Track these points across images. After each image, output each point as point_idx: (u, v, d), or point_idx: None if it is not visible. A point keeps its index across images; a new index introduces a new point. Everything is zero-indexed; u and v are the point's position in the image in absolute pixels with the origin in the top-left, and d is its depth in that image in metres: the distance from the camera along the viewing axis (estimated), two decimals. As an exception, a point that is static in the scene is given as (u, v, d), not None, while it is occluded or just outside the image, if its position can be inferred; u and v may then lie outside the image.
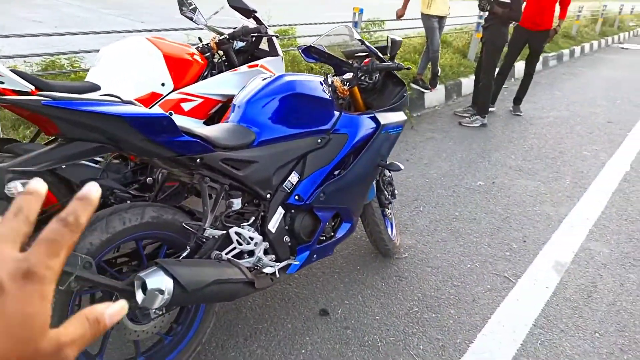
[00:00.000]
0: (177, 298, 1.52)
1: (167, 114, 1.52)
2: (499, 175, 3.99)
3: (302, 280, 2.44)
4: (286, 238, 2.03)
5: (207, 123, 2.49)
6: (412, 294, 2.44)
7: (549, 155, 4.58)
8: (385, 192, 2.58)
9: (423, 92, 5.63)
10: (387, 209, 2.63)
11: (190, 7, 2.79)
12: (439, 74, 5.71)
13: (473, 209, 3.38)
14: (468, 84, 6.54)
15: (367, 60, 2.31)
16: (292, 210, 2.05)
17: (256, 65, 2.62)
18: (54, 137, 1.89)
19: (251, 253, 1.89)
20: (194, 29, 3.70)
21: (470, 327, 2.24)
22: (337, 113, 2.13)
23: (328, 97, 2.07)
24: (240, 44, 2.71)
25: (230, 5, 2.73)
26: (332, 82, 2.19)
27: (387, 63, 2.27)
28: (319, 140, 2.06)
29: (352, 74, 2.28)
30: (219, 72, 2.62)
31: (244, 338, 2.07)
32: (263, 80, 2.04)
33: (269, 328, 2.14)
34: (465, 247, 2.89)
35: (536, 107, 6.29)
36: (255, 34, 2.65)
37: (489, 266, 2.72)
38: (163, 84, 2.34)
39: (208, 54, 2.62)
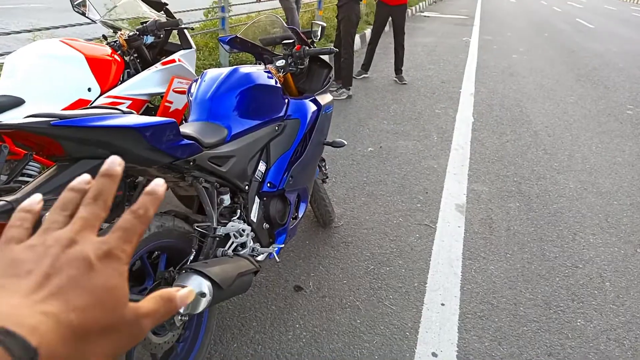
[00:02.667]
0: (215, 297, 1.55)
1: (171, 119, 1.49)
2: (382, 140, 4.46)
3: (264, 265, 2.53)
4: (265, 225, 2.11)
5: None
6: (362, 255, 2.71)
7: (412, 117, 5.22)
8: (322, 168, 2.77)
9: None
10: (324, 184, 2.83)
11: (79, 2, 2.56)
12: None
13: (375, 172, 3.76)
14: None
15: (298, 46, 2.43)
16: (265, 198, 2.13)
17: (174, 61, 2.55)
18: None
19: (243, 245, 1.94)
20: (82, 24, 3.35)
21: (419, 271, 2.59)
22: (285, 100, 2.24)
23: (279, 86, 2.17)
24: (150, 38, 2.58)
25: (146, 1, 2.57)
26: (269, 70, 2.28)
27: (320, 48, 2.43)
28: (276, 128, 2.16)
29: (283, 61, 2.39)
30: (134, 70, 2.49)
31: (237, 329, 2.12)
32: (214, 74, 2.05)
33: (256, 314, 2.22)
34: (384, 207, 3.25)
35: (383, 75, 6.99)
36: (168, 27, 2.56)
37: (410, 218, 3.12)
38: (89, 89, 2.16)
39: (119, 52, 2.46)
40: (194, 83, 2.11)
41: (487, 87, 6.74)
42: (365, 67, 6.55)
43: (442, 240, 2.89)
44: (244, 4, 6.40)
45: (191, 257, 1.70)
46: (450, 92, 6.30)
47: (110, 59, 2.26)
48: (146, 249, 1.57)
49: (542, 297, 2.44)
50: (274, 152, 2.15)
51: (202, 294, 1.49)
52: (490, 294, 2.44)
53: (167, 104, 2.48)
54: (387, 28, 6.86)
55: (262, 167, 2.10)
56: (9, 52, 3.50)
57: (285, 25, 2.50)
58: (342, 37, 5.52)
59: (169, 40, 2.72)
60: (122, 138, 1.40)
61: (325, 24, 2.53)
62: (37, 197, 0.38)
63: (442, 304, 2.34)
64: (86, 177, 0.38)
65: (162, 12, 2.62)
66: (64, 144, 1.33)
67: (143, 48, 2.52)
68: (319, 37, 2.54)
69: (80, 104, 2.13)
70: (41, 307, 0.30)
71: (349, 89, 5.68)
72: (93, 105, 2.17)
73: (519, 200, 3.46)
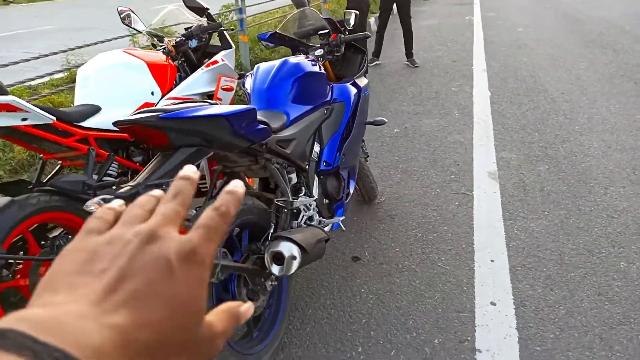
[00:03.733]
0: (303, 261, 1.74)
1: (251, 106, 1.68)
2: (405, 121, 4.62)
3: (321, 241, 2.72)
4: (325, 200, 2.30)
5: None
6: (409, 225, 2.89)
7: (430, 96, 5.37)
8: (363, 148, 2.95)
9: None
10: (366, 162, 3.02)
11: (124, 15, 2.77)
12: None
13: (405, 151, 3.94)
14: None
15: (334, 35, 2.61)
16: (322, 176, 2.32)
17: (218, 61, 2.74)
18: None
19: (311, 218, 2.13)
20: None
21: (464, 234, 2.77)
22: (329, 85, 2.43)
23: (324, 72, 2.36)
24: (194, 42, 2.78)
25: (186, 6, 2.77)
26: (313, 59, 2.46)
27: (354, 35, 2.61)
28: (325, 111, 2.35)
29: (321, 50, 2.58)
30: (184, 73, 2.69)
31: (309, 297, 2.32)
32: (267, 67, 2.24)
33: (322, 283, 2.41)
34: (420, 181, 3.43)
35: (393, 60, 7.13)
36: (211, 30, 2.75)
37: (446, 189, 3.30)
38: (152, 93, 2.36)
39: (168, 57, 2.66)
40: (248, 77, 2.30)
41: (498, 62, 6.86)
42: (376, 54, 6.71)
43: (480, 206, 3.06)
44: (258, 4, 6.59)
45: (271, 230, 1.90)
46: (462, 70, 6.44)
47: (167, 64, 2.46)
48: (234, 225, 1.76)
49: (584, 246, 2.61)
50: (326, 134, 2.34)
51: (293, 257, 1.69)
52: (535, 248, 2.61)
53: (217, 100, 2.68)
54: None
55: (317, 148, 2.29)
56: (41, 75, 3.74)
57: (321, 16, 2.68)
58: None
59: (210, 42, 2.91)
60: (213, 125, 1.60)
61: (358, 12, 2.71)
62: (119, 202, 0.37)
63: (492, 260, 2.52)
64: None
65: (204, 16, 2.81)
66: (169, 134, 1.54)
67: (189, 52, 2.71)
68: (351, 25, 2.72)
69: (146, 106, 2.32)
70: (110, 319, 0.27)
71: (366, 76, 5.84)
72: (158, 106, 2.37)
73: (547, 163, 3.62)
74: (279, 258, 1.70)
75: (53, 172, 2.20)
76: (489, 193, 3.22)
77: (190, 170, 0.36)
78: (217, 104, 1.68)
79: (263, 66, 2.26)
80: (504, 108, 4.90)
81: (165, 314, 0.28)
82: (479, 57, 7.21)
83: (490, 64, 6.75)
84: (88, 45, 4.21)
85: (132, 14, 2.79)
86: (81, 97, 2.20)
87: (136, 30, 2.81)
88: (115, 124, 1.52)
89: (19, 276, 1.86)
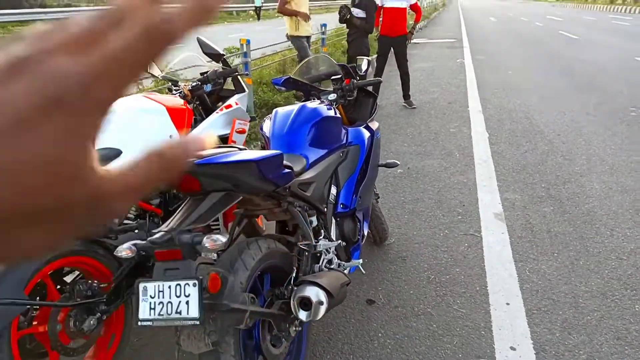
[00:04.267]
0: (329, 305, 1.72)
1: (278, 152, 1.71)
2: (407, 161, 4.68)
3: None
4: (342, 243, 2.30)
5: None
6: (420, 266, 2.89)
7: (430, 137, 5.47)
8: (374, 189, 2.98)
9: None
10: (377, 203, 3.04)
11: None
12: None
13: (410, 191, 3.97)
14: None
15: (347, 80, 2.68)
16: (338, 218, 2.33)
17: (231, 105, 2.78)
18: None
19: (330, 261, 2.13)
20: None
21: (477, 276, 2.77)
22: (343, 129, 2.47)
23: (340, 117, 2.40)
24: (209, 87, 2.83)
25: (203, 52, 2.83)
26: (329, 104, 2.51)
27: (367, 80, 2.68)
28: (341, 154, 2.38)
29: (334, 95, 2.63)
30: (199, 116, 2.73)
31: (326, 342, 2.28)
32: (285, 112, 2.28)
33: (339, 327, 2.38)
34: (428, 221, 3.45)
35: (391, 101, 7.29)
36: (228, 75, 2.81)
37: (455, 230, 3.31)
38: (171, 136, 2.38)
39: (184, 100, 2.70)
40: (266, 121, 2.34)
41: (493, 104, 7.03)
42: None
43: (490, 247, 3.07)
44: (257, 48, 6.74)
45: (293, 274, 1.89)
46: (459, 112, 6.58)
47: (184, 108, 2.50)
48: (259, 269, 1.75)
49: (596, 288, 2.62)
50: (342, 176, 2.37)
51: (320, 302, 1.68)
52: (548, 290, 2.61)
53: (231, 143, 2.71)
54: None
55: (333, 190, 2.31)
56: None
57: (334, 62, 2.76)
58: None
59: (226, 87, 2.97)
60: (243, 170, 1.61)
61: (371, 58, 2.79)
62: None
63: (507, 304, 2.51)
64: None
65: (220, 62, 2.87)
66: (202, 179, 1.55)
67: (204, 96, 2.76)
68: (363, 71, 2.79)
69: (164, 149, 2.34)
70: None
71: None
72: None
73: (551, 204, 3.66)
74: (305, 303, 1.68)
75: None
76: (497, 234, 3.24)
77: None
78: (245, 149, 1.70)
79: (281, 111, 2.30)
80: (503, 149, 4.99)
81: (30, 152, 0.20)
82: (474, 98, 7.39)
83: (485, 105, 6.91)
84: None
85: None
86: (102, 140, 2.20)
87: (152, 75, 2.86)
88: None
89: (36, 322, 1.82)
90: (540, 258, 2.93)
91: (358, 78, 2.77)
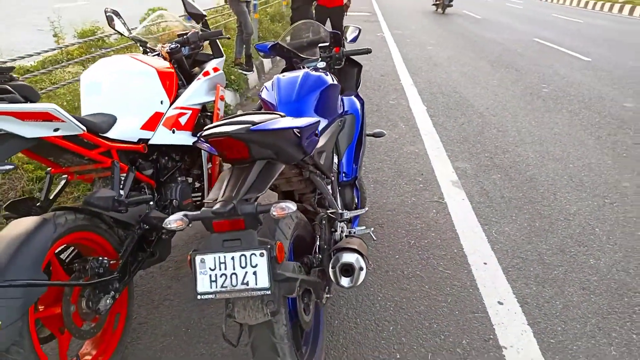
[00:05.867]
0: (367, 270, 1.76)
1: (317, 119, 1.68)
2: (358, 132, 4.77)
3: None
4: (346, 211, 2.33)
5: (194, 133, 2.46)
6: (399, 233, 3.01)
7: (373, 109, 5.60)
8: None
9: (245, 74, 5.96)
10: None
11: (108, 15, 2.59)
12: (252, 55, 6.11)
13: (369, 161, 4.08)
14: (265, 61, 7.13)
15: (337, 48, 2.66)
16: (340, 187, 2.35)
17: (216, 69, 2.65)
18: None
19: (342, 230, 2.15)
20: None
21: (451, 240, 2.95)
22: (339, 98, 2.47)
23: (339, 85, 2.39)
24: (186, 50, 2.65)
25: (187, 12, 2.63)
26: (327, 72, 2.49)
27: (357, 49, 2.68)
28: (339, 123, 2.38)
29: (324, 63, 2.61)
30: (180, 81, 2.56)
31: (330, 308, 2.32)
32: (290, 80, 2.22)
33: (339, 294, 2.43)
34: (394, 190, 3.58)
35: (325, 73, 7.30)
36: (212, 38, 2.64)
37: (420, 197, 3.48)
38: (162, 102, 2.23)
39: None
40: (264, 90, 2.26)
41: (422, 78, 7.34)
42: None
43: (456, 213, 3.28)
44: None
45: (317, 243, 1.89)
46: (393, 84, 6.80)
47: (172, 71, 2.33)
48: (294, 238, 1.73)
49: (555, 246, 2.92)
50: (342, 145, 2.38)
51: (361, 268, 1.71)
52: (516, 250, 2.86)
53: (218, 110, 2.59)
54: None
55: (335, 159, 2.32)
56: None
57: (326, 30, 2.72)
58: (299, 39, 5.74)
59: (203, 51, 2.80)
60: (286, 138, 1.57)
61: (361, 27, 2.79)
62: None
63: (485, 263, 2.72)
64: None
65: (200, 23, 2.70)
66: (252, 146, 1.48)
67: (183, 59, 2.58)
68: (350, 40, 2.78)
69: (156, 116, 2.18)
70: None
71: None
72: (167, 115, 2.23)
73: (498, 172, 3.97)
74: (347, 270, 1.70)
75: (59, 189, 1.97)
76: (458, 200, 3.46)
77: None
78: (285, 116, 1.64)
79: (284, 78, 2.24)
80: (442, 121, 5.27)
81: None
82: (403, 72, 7.66)
83: (415, 79, 7.20)
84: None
85: (114, 17, 2.59)
86: (92, 104, 2.00)
87: (120, 33, 2.61)
88: (206, 136, 1.42)
89: (42, 306, 1.65)
90: (502, 221, 3.19)
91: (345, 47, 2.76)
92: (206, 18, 2.71)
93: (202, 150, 2.45)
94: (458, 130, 4.98)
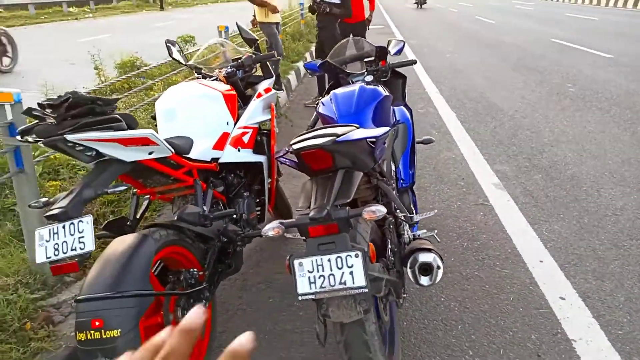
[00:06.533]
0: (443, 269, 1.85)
1: (388, 128, 1.79)
2: (393, 142, 4.87)
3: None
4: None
5: (255, 151, 2.59)
6: (450, 236, 3.08)
7: (403, 118, 5.69)
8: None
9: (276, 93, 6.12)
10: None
11: (168, 46, 2.75)
12: (280, 75, 6.28)
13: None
14: (291, 78, 7.31)
15: (383, 62, 2.78)
16: (398, 193, 2.45)
17: (269, 90, 2.79)
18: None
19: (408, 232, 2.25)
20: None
21: (503, 240, 3.01)
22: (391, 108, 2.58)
23: (391, 96, 2.51)
24: (240, 73, 2.80)
25: (242, 38, 2.79)
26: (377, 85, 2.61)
27: (402, 61, 2.80)
28: (394, 132, 2.49)
29: (371, 76, 2.73)
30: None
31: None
32: (346, 94, 2.34)
33: (403, 297, 2.51)
34: (438, 195, 3.66)
35: (350, 86, 7.44)
36: (265, 60, 2.79)
37: (465, 201, 3.56)
38: (227, 123, 2.36)
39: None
40: (321, 105, 2.39)
41: (446, 85, 7.42)
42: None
43: (503, 214, 3.34)
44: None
45: (389, 246, 1.99)
46: (419, 94, 6.89)
47: (234, 94, 2.47)
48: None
49: (608, 241, 2.96)
50: (397, 153, 2.48)
51: (439, 267, 1.80)
52: (569, 247, 2.91)
53: (274, 128, 2.72)
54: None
55: (392, 166, 2.42)
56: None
57: (371, 44, 2.84)
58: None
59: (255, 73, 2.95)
60: (362, 147, 1.69)
61: (404, 40, 2.91)
62: (199, 312, 0.37)
63: (541, 261, 2.77)
64: (198, 313, 0.37)
65: (253, 47, 2.85)
66: (336, 156, 1.60)
67: (239, 82, 2.73)
68: (394, 52, 2.90)
69: (224, 136, 2.32)
70: None
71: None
72: (232, 135, 2.37)
73: (538, 172, 4.02)
74: (425, 269, 1.79)
75: (144, 208, 2.11)
76: (504, 202, 3.52)
77: (194, 319, 0.35)
78: (358, 127, 1.75)
79: (341, 93, 2.36)
80: (474, 127, 5.34)
81: None
82: (426, 81, 7.76)
83: (439, 87, 7.29)
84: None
85: (172, 47, 2.75)
86: (169, 129, 2.14)
87: (178, 61, 2.77)
88: (298, 149, 1.55)
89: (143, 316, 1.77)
90: (550, 220, 3.24)
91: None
92: (258, 42, 2.86)
93: (264, 167, 2.58)
94: (491, 134, 5.05)
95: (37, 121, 1.55)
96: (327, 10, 5.48)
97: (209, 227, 1.97)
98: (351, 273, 1.47)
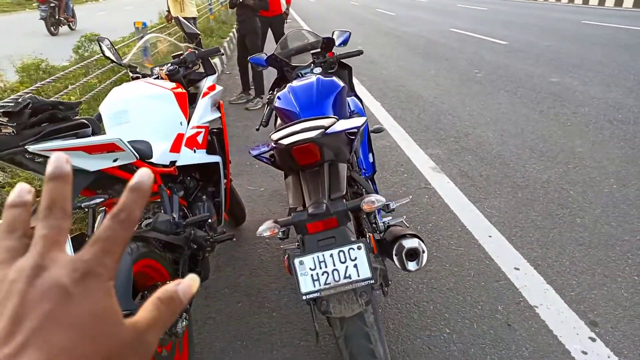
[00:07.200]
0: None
1: (365, 118, 1.78)
2: (326, 134, 4.90)
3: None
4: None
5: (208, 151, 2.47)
6: (407, 221, 3.16)
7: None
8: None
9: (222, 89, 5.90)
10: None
11: (101, 43, 2.54)
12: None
13: (349, 160, 4.21)
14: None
15: (330, 53, 2.77)
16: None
17: (214, 88, 2.67)
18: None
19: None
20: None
21: (451, 220, 3.15)
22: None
23: (346, 87, 2.50)
24: (182, 70, 2.64)
25: (185, 32, 2.60)
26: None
27: (350, 51, 2.80)
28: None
29: (319, 68, 2.71)
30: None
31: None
32: (303, 86, 2.30)
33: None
34: (383, 182, 3.74)
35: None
36: (210, 56, 2.65)
37: (409, 186, 3.67)
38: (181, 123, 2.23)
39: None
40: (278, 100, 2.33)
41: (365, 76, 7.60)
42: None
43: (446, 195, 3.49)
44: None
45: (367, 234, 1.99)
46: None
47: (184, 92, 2.33)
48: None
49: (543, 211, 3.20)
50: (357, 144, 2.49)
51: (424, 251, 1.82)
52: (511, 220, 3.11)
53: (225, 126, 2.61)
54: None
55: (353, 157, 2.43)
56: None
57: (318, 35, 2.81)
58: (250, 49, 5.75)
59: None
60: (343, 138, 1.67)
61: (349, 31, 2.91)
62: (25, 187, 0.33)
63: (490, 236, 2.93)
64: (25, 186, 0.33)
65: (194, 42, 2.69)
66: (324, 149, 1.56)
67: (182, 79, 2.58)
68: (337, 44, 2.89)
69: (179, 137, 2.18)
70: None
71: (262, 97, 5.98)
72: (187, 136, 2.24)
73: (468, 154, 4.25)
74: (412, 254, 1.81)
75: (100, 222, 1.92)
76: (444, 184, 3.68)
77: (62, 165, 0.32)
78: (338, 119, 1.73)
79: (298, 86, 2.31)
80: (400, 114, 5.52)
81: (75, 338, 0.28)
82: (344, 72, 7.85)
83: (360, 78, 7.43)
84: None
85: (103, 45, 2.53)
86: (122, 133, 1.96)
87: (112, 60, 2.55)
88: (289, 144, 1.48)
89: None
90: (489, 197, 3.44)
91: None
92: (200, 37, 2.71)
93: (221, 167, 2.46)
94: (417, 121, 5.25)
95: (-17, 132, 1.34)
96: (240, 1, 5.34)
97: (182, 234, 1.84)
98: (355, 266, 1.45)
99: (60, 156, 0.32)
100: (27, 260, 0.29)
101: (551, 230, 2.97)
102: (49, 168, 0.31)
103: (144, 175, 0.33)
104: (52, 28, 13.77)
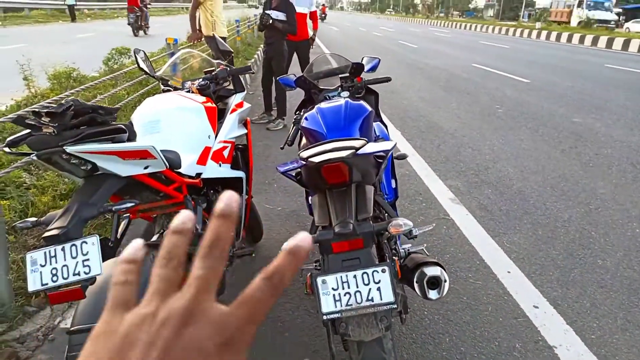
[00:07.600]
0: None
1: (394, 142, 1.78)
2: (346, 159, 4.91)
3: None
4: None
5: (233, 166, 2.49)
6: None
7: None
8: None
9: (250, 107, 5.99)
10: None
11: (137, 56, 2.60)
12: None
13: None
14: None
15: (359, 78, 2.80)
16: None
17: (242, 105, 2.70)
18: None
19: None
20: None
21: (470, 253, 3.11)
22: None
23: (374, 112, 2.52)
24: (213, 86, 2.69)
25: (219, 50, 2.66)
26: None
27: (378, 77, 2.83)
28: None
29: (347, 92, 2.74)
30: (212, 116, 2.59)
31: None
32: (332, 108, 2.32)
33: (387, 313, 2.49)
34: (401, 211, 3.70)
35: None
36: (241, 73, 2.69)
37: (428, 215, 3.64)
38: (209, 136, 2.25)
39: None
40: (305, 121, 2.35)
41: (386, 104, 7.63)
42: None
43: (465, 227, 3.46)
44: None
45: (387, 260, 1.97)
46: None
47: (215, 106, 2.37)
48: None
49: (563, 251, 3.14)
50: (383, 168, 2.49)
51: (446, 280, 1.80)
52: (531, 257, 3.06)
53: (251, 142, 2.64)
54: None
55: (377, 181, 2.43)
56: None
57: (347, 60, 2.85)
58: (275, 72, 5.84)
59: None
60: (371, 161, 1.67)
61: (378, 57, 2.95)
62: (138, 243, 0.34)
63: (508, 272, 2.88)
64: (190, 213, 0.34)
65: (227, 60, 2.74)
66: (354, 170, 1.56)
67: (212, 95, 2.62)
68: (366, 69, 2.93)
69: (206, 150, 2.20)
70: None
71: (284, 119, 6.03)
72: (214, 149, 2.26)
73: (487, 187, 4.22)
74: (433, 283, 1.79)
75: (124, 228, 1.93)
76: (462, 215, 3.64)
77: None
78: (367, 141, 1.74)
79: (326, 108, 2.33)
80: (420, 144, 5.52)
81: None
82: (365, 100, 7.92)
83: (380, 107, 7.46)
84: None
85: (138, 57, 2.59)
86: (153, 141, 1.98)
87: (146, 72, 2.60)
88: (319, 163, 1.48)
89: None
90: (508, 232, 3.40)
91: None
92: (232, 54, 2.77)
93: (244, 183, 2.48)
94: (437, 151, 5.25)
95: (28, 131, 1.37)
96: (270, 22, 5.43)
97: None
98: (378, 289, 1.43)
99: (232, 195, 0.31)
100: (180, 302, 0.29)
101: (572, 270, 2.91)
102: (218, 205, 0.31)
103: (304, 240, 0.31)
104: (135, 31, 17.96)
